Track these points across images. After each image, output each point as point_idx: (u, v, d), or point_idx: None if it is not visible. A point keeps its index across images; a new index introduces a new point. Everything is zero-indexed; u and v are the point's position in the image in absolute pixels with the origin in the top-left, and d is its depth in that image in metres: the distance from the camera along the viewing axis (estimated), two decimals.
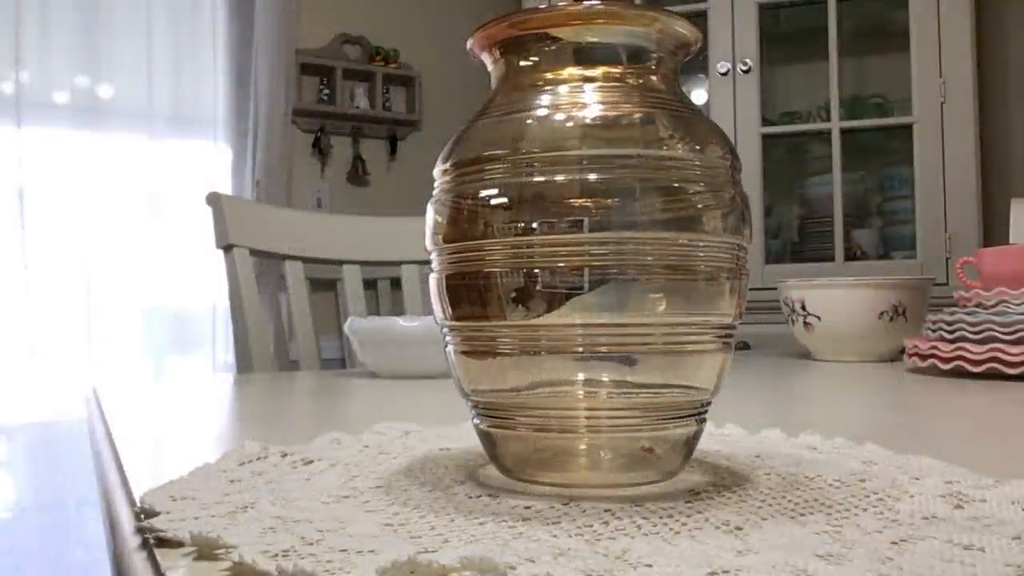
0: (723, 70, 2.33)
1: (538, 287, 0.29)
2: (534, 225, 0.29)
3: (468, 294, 0.32)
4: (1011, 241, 1.45)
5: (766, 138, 2.36)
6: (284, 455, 0.37)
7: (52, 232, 2.47)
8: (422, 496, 0.30)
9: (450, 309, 0.32)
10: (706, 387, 0.31)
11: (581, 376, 0.30)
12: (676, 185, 0.30)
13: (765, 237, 2.36)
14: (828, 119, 2.33)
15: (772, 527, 0.26)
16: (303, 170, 2.90)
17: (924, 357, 0.82)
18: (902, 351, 0.89)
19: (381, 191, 3.01)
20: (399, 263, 1.31)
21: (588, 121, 0.31)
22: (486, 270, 0.30)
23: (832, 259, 2.28)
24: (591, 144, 0.30)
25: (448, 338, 0.33)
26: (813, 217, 2.41)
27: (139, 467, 0.41)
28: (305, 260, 1.23)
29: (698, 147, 0.31)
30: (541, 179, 0.30)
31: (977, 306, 0.82)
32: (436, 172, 0.33)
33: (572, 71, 0.32)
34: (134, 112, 2.58)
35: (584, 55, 0.32)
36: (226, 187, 2.68)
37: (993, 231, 2.22)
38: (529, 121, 0.31)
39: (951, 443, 0.45)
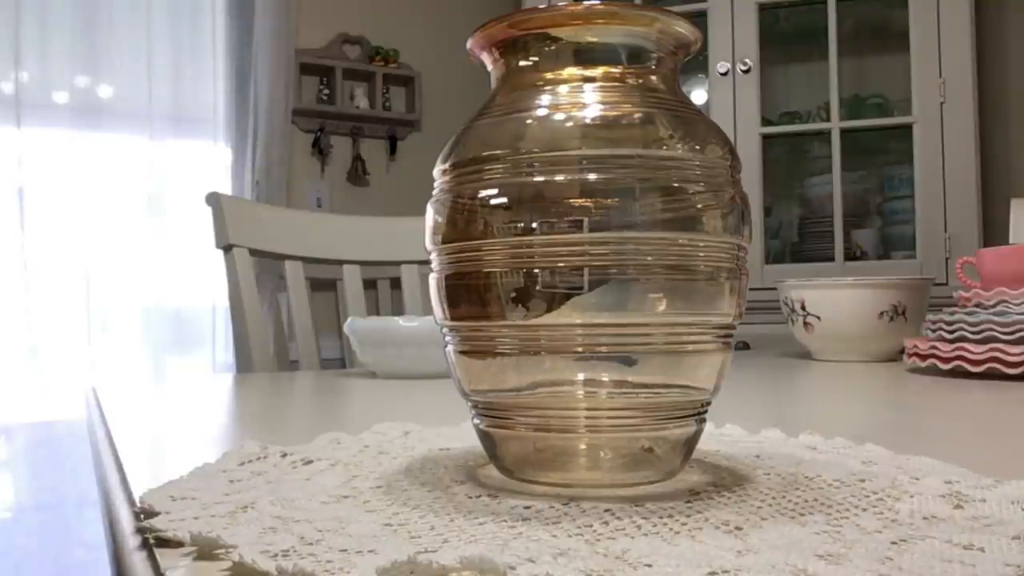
0: (723, 70, 2.33)
1: (538, 287, 0.29)
2: (534, 225, 0.29)
3: (468, 294, 0.32)
4: (1011, 241, 1.45)
5: (766, 138, 2.36)
6: (284, 455, 0.37)
7: (52, 232, 2.47)
8: (422, 496, 0.30)
9: (450, 309, 0.32)
10: (706, 387, 0.31)
11: (581, 376, 0.30)
12: (676, 185, 0.30)
13: (765, 237, 2.36)
14: (828, 119, 2.33)
15: (772, 527, 0.26)
16: (303, 170, 2.90)
17: (924, 357, 0.82)
18: (902, 351, 0.89)
19: (381, 191, 3.01)
20: (399, 263, 1.31)
21: (588, 121, 0.31)
22: (486, 270, 0.30)
23: (832, 259, 2.28)
24: (591, 144, 0.30)
25: (448, 338, 0.33)
26: (813, 217, 2.41)
27: (139, 467, 0.41)
28: (305, 260, 1.23)
29: (698, 147, 0.31)
30: (541, 179, 0.30)
31: (977, 306, 0.82)
32: (436, 172, 0.33)
33: (572, 71, 0.32)
34: (134, 112, 2.57)
35: (584, 55, 0.32)
36: (226, 187, 2.68)
37: (993, 231, 2.22)
38: (529, 121, 0.31)
39: (951, 443, 0.45)
